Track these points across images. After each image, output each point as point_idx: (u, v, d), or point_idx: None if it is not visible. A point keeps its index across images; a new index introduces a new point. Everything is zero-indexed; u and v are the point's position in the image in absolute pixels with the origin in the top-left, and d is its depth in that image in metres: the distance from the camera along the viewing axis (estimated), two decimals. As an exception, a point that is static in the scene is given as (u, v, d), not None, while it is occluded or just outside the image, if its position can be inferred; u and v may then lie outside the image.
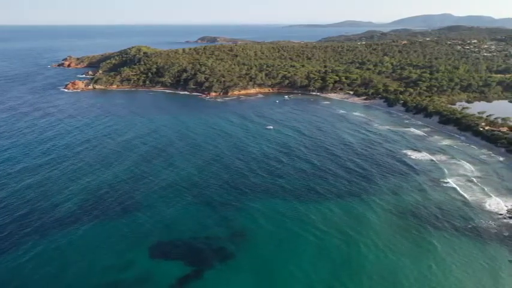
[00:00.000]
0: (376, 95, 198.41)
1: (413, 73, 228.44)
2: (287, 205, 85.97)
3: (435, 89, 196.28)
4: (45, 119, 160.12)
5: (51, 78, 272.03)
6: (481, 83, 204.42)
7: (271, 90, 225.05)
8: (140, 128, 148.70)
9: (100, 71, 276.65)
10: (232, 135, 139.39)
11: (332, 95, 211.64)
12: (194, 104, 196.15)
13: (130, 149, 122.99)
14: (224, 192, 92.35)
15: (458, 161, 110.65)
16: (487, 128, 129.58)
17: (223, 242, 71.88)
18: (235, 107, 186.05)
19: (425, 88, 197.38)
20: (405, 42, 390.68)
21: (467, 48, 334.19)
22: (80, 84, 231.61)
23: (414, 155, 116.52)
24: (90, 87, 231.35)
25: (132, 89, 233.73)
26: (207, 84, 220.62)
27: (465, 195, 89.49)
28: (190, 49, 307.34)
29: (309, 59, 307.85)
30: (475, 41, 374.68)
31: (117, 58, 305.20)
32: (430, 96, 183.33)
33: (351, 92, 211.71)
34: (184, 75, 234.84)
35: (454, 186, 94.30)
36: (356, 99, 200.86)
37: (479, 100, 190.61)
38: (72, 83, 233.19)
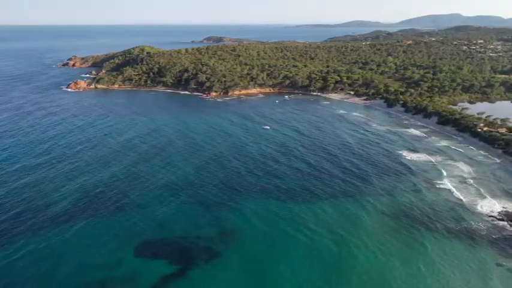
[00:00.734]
0: (377, 95, 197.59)
1: (416, 73, 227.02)
2: (281, 205, 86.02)
3: (436, 89, 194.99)
4: (46, 118, 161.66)
5: (55, 78, 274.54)
6: (483, 84, 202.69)
7: (271, 90, 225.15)
8: (140, 127, 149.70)
9: (103, 71, 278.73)
10: (230, 134, 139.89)
11: (332, 95, 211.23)
12: (194, 104, 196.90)
13: (130, 148, 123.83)
14: (219, 191, 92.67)
15: (455, 162, 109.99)
16: (485, 128, 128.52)
17: (214, 241, 72.13)
18: (234, 107, 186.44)
19: (426, 88, 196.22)
20: (410, 42, 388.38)
21: (473, 49, 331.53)
22: (82, 84, 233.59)
23: (411, 155, 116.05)
24: (92, 86, 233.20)
25: (134, 89, 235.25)
26: (207, 84, 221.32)
27: (460, 196, 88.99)
28: (193, 49, 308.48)
29: (312, 59, 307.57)
30: (481, 41, 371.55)
31: (121, 58, 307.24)
32: (430, 97, 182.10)
33: (352, 92, 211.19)
34: (186, 75, 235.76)
35: (449, 187, 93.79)
36: (356, 100, 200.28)
37: (481, 101, 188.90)
38: (75, 82, 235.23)
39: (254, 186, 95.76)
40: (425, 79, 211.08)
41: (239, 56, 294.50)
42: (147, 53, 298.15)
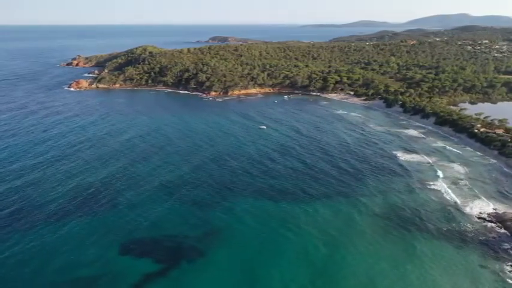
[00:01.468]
0: (376, 96, 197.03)
1: (418, 74, 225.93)
2: (274, 205, 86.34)
3: (437, 89, 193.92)
4: (48, 117, 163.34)
5: (58, 77, 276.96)
6: (485, 84, 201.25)
7: (271, 90, 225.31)
8: (139, 126, 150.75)
9: (106, 70, 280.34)
10: (228, 134, 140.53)
11: (332, 95, 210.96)
12: (193, 103, 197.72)
13: (128, 147, 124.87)
14: (213, 191, 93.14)
15: (450, 162, 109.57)
16: (482, 129, 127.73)
17: (203, 240, 72.53)
18: (234, 107, 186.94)
19: (426, 89, 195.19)
20: (414, 42, 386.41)
21: (478, 49, 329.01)
22: (84, 83, 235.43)
23: (406, 155, 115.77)
24: (94, 86, 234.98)
25: (135, 88, 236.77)
26: (207, 83, 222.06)
27: (453, 197, 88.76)
28: (195, 49, 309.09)
29: (315, 59, 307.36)
30: (486, 41, 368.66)
31: (123, 57, 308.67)
32: (430, 97, 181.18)
33: (351, 93, 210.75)
34: (186, 74, 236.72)
35: (443, 187, 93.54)
36: (355, 100, 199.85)
37: (483, 101, 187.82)
38: (76, 82, 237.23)
39: (249, 185, 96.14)
40: (427, 79, 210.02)
41: (241, 55, 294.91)
42: (150, 52, 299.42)
